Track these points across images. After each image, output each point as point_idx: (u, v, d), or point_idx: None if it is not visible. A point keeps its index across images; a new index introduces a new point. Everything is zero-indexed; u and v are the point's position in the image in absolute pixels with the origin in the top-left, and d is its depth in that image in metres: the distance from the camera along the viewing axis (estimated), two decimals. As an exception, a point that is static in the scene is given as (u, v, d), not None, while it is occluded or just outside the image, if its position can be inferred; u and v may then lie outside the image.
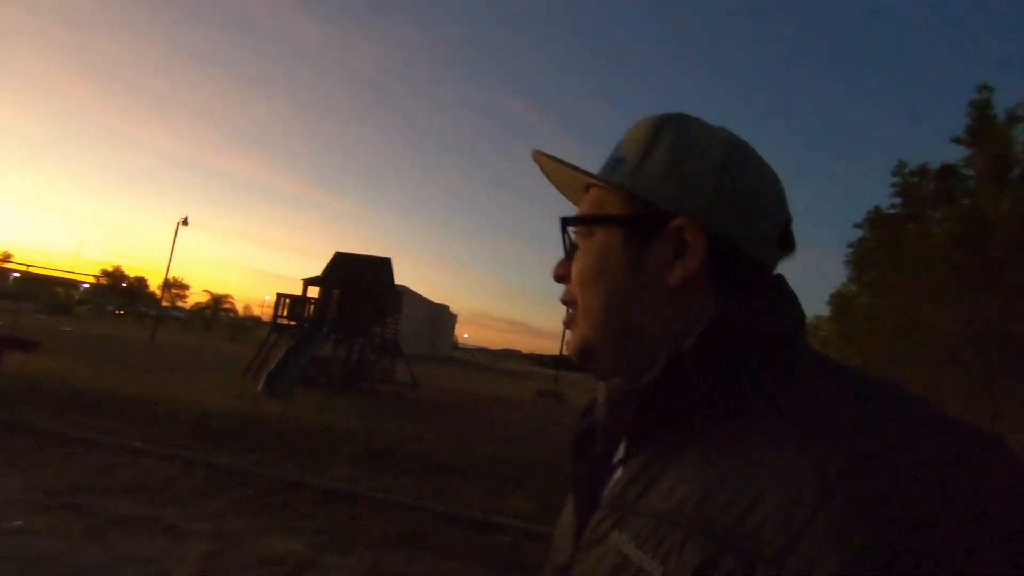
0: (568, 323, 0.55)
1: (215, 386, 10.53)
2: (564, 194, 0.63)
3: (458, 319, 75.54)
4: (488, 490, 5.77)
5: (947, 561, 0.31)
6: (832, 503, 0.34)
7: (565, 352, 0.57)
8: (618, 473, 0.50)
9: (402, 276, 18.22)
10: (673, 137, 0.51)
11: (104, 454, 5.34)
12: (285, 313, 14.21)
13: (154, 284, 60.51)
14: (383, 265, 15.92)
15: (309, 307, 14.14)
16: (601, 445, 0.55)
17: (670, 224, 0.49)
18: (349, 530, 4.23)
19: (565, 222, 0.56)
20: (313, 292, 14.91)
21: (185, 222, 26.59)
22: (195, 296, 63.99)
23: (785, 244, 0.52)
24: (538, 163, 0.60)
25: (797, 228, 0.53)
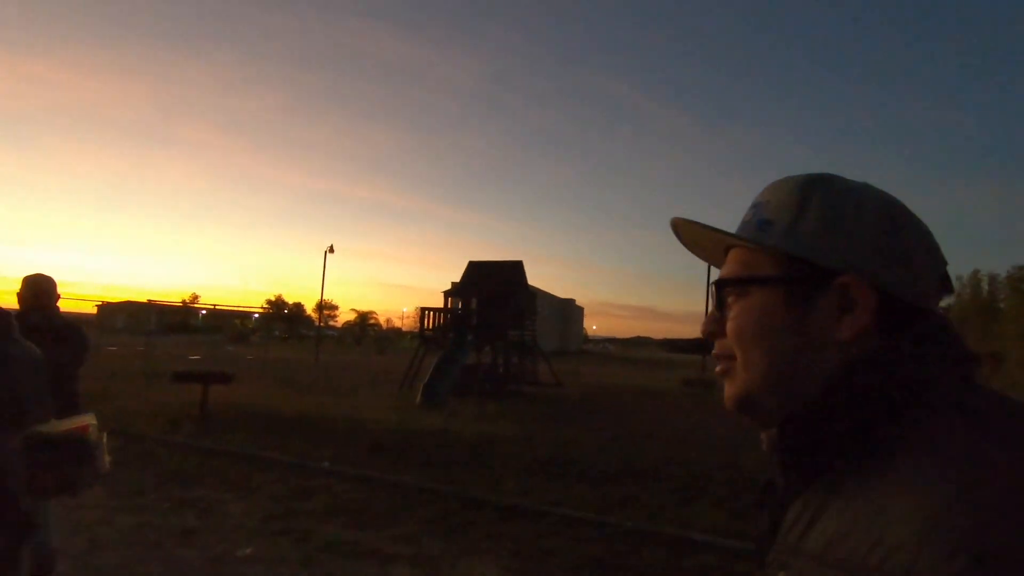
0: (724, 373, 0.57)
1: (377, 402, 11.22)
2: (696, 252, 0.66)
3: (585, 311, 75.13)
4: (669, 499, 5.38)
5: None
6: (932, 542, 0.38)
7: (725, 400, 0.58)
8: (787, 513, 0.53)
9: (528, 276, 18.28)
10: (824, 196, 0.54)
11: (301, 476, 5.76)
12: (430, 326, 14.84)
13: (309, 307, 67.29)
14: (515, 268, 16.09)
15: (452, 318, 14.65)
16: (780, 492, 0.57)
17: (834, 281, 0.52)
18: (538, 552, 4.09)
19: (722, 284, 0.57)
20: (448, 301, 15.46)
21: (331, 250, 29.10)
22: (344, 315, 70.14)
23: (945, 288, 0.54)
24: (676, 227, 0.62)
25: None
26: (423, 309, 15.14)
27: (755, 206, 0.57)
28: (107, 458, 1.31)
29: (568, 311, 57.84)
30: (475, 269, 16.04)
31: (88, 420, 1.32)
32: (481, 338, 14.23)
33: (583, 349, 63.36)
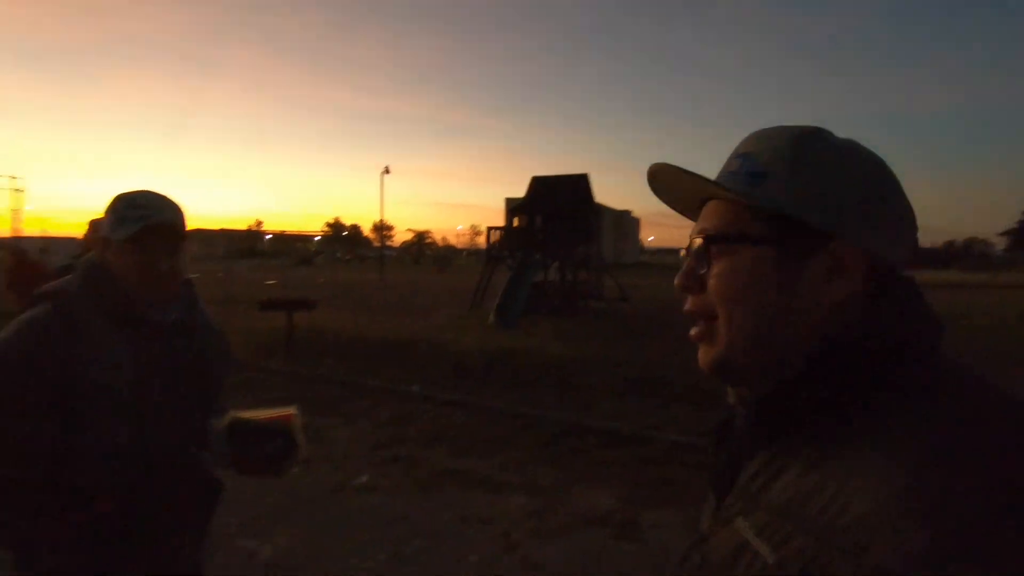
0: (702, 336, 0.56)
1: (450, 322, 11.28)
2: (668, 201, 0.64)
3: (641, 222, 73.20)
4: None
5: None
6: (895, 516, 0.40)
7: (702, 363, 0.57)
8: (748, 464, 0.55)
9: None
10: (818, 153, 0.53)
11: (396, 402, 5.84)
12: (496, 244, 14.62)
13: (366, 229, 68.58)
14: (580, 182, 15.36)
15: (518, 236, 14.34)
16: (739, 435, 0.58)
17: (828, 244, 0.51)
18: (652, 479, 3.97)
19: (713, 239, 0.55)
20: (508, 219, 15.06)
21: (387, 171, 28.94)
22: (400, 235, 71.28)
23: (916, 254, 0.56)
24: (653, 174, 0.60)
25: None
26: (489, 228, 14.88)
27: (742, 156, 0.55)
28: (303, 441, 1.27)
29: (623, 222, 56.44)
30: (539, 184, 15.44)
31: (291, 411, 1.26)
32: (548, 255, 13.93)
33: (640, 261, 62.31)
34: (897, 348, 0.49)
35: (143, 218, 1.13)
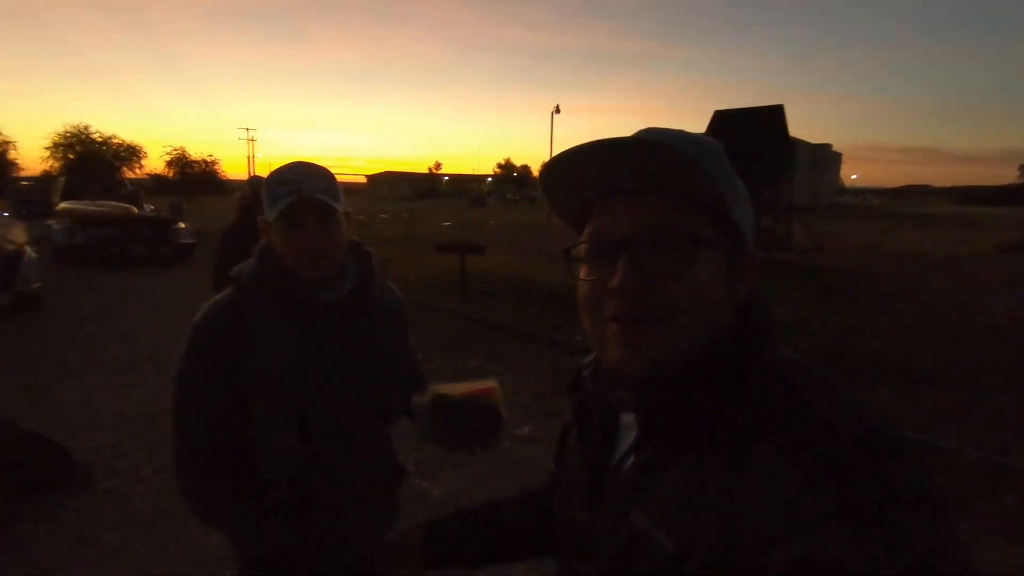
0: (643, 338, 0.55)
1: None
2: (560, 197, 0.62)
3: (843, 158, 63.42)
4: (998, 415, 4.09)
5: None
6: (819, 493, 0.43)
7: (637, 363, 0.56)
8: (632, 456, 0.58)
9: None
10: (725, 160, 0.59)
11: (560, 353, 5.82)
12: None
13: (535, 169, 69.42)
14: (773, 115, 13.39)
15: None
16: (600, 421, 0.63)
17: (748, 249, 0.58)
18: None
19: (695, 239, 0.55)
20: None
21: (557, 110, 28.54)
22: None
23: None
24: (599, 148, 0.55)
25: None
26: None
27: (667, 148, 0.52)
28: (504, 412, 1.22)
29: (821, 158, 49.33)
30: (722, 119, 13.87)
31: (491, 383, 1.21)
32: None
33: (838, 202, 54.44)
34: (767, 346, 0.55)
35: (290, 193, 1.08)
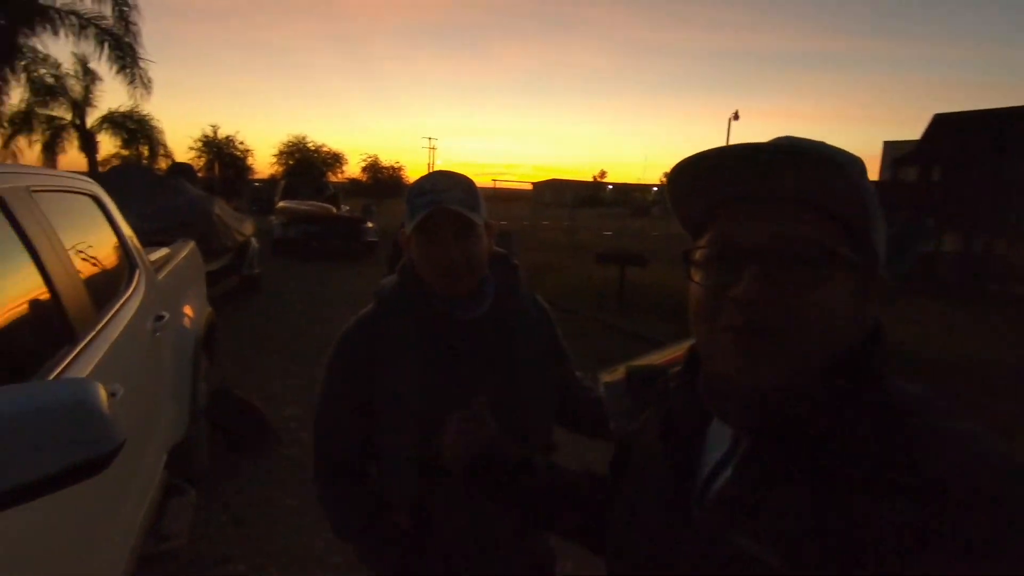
0: (761, 350, 0.53)
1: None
2: (689, 195, 0.60)
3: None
4: None
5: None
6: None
7: (756, 380, 0.55)
8: (728, 472, 0.57)
9: None
10: (867, 181, 0.54)
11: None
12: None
13: (706, 179, 65.90)
14: (1014, 120, 11.07)
15: (903, 192, 11.39)
16: (688, 436, 0.62)
17: (875, 274, 0.55)
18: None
19: (830, 252, 0.52)
20: (897, 172, 11.92)
21: (736, 116, 26.73)
22: (742, 186, 65.83)
23: None
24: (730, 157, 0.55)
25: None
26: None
27: (818, 155, 0.51)
28: None
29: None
30: (943, 124, 11.77)
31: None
32: (946, 219, 10.71)
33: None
34: (887, 373, 0.54)
35: (427, 204, 1.02)
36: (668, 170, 0.60)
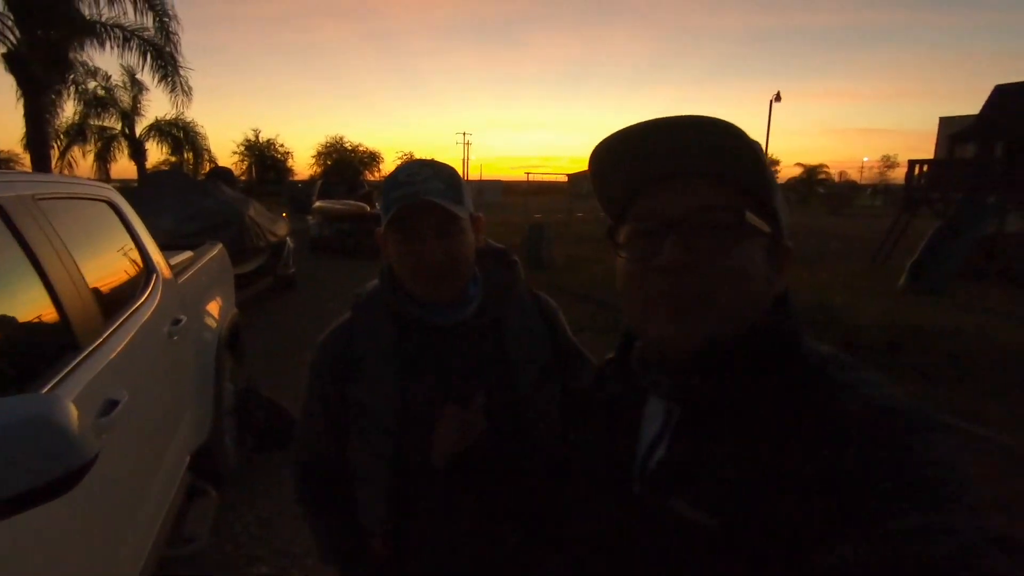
0: (688, 314, 0.57)
1: (842, 280, 9.36)
2: (607, 178, 0.64)
3: None
4: None
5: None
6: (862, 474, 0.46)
7: (684, 340, 0.58)
8: (664, 444, 0.61)
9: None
10: (763, 153, 0.58)
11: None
12: (919, 178, 11.27)
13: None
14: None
15: (961, 170, 10.68)
16: (625, 415, 0.66)
17: (781, 240, 0.60)
18: None
19: (743, 218, 0.57)
20: (954, 149, 11.19)
21: (778, 98, 25.76)
22: (786, 170, 63.62)
23: None
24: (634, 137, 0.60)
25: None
26: (912, 161, 11.46)
27: (731, 133, 0.56)
28: None
29: None
30: (1006, 96, 10.97)
31: None
32: (1012, 198, 9.99)
33: None
34: (802, 338, 0.58)
35: (403, 197, 0.90)
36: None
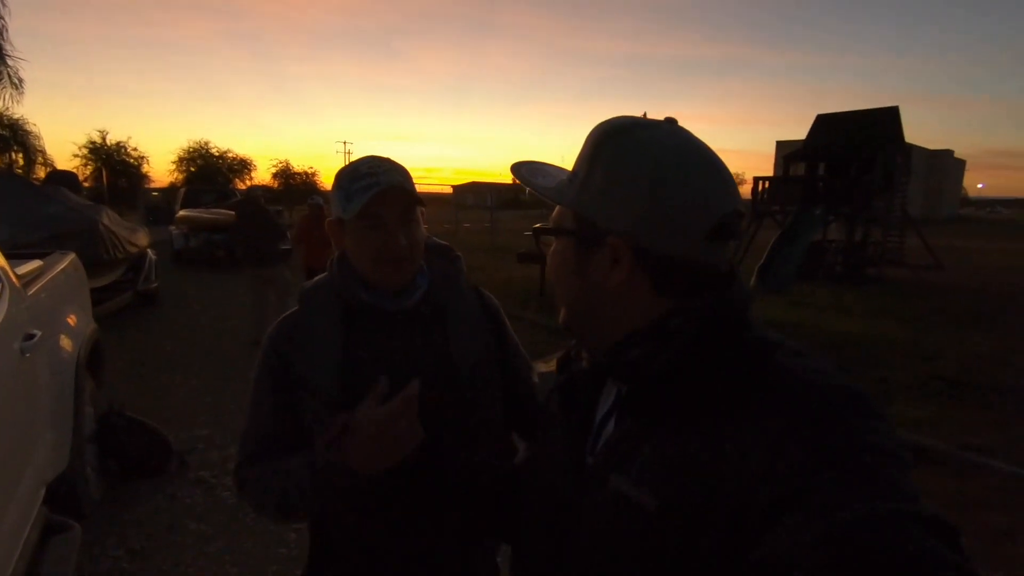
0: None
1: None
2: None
3: (967, 165, 57.18)
4: None
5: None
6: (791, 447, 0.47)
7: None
8: (610, 425, 0.63)
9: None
10: (610, 156, 0.60)
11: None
12: (762, 194, 12.86)
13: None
14: (885, 119, 12.26)
15: (794, 186, 12.33)
16: (584, 394, 0.68)
17: (607, 240, 0.60)
18: (979, 526, 2.94)
19: (537, 232, 0.69)
20: (788, 167, 12.93)
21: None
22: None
23: (721, 236, 0.58)
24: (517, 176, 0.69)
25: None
26: (756, 179, 13.09)
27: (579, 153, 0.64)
28: None
29: (940, 166, 44.82)
30: (825, 125, 12.90)
31: None
32: (831, 209, 11.72)
33: (960, 215, 49.08)
34: (744, 322, 0.58)
35: (370, 186, 0.95)
36: None
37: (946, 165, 46.15)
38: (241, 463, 1.04)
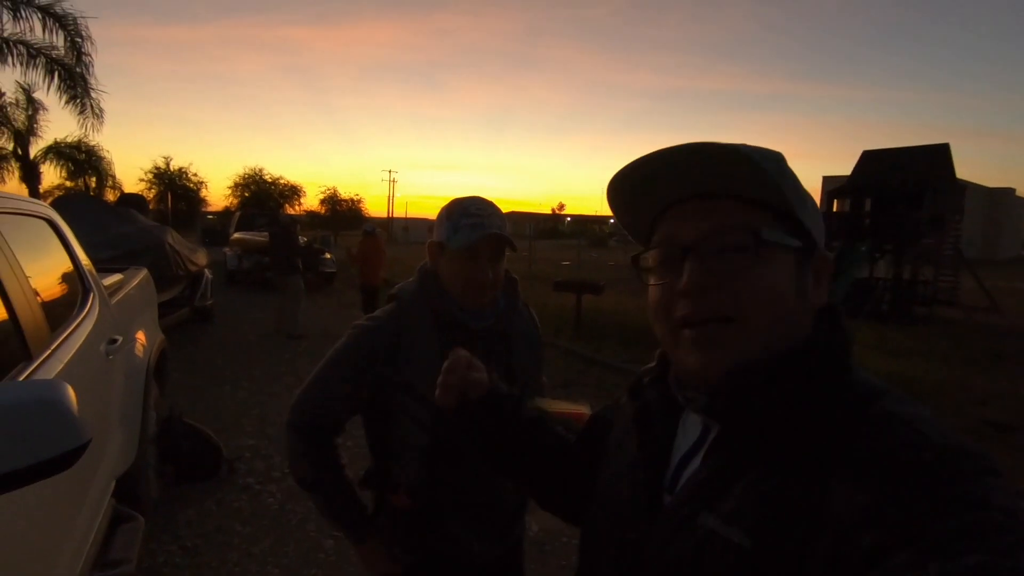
0: (714, 339, 0.57)
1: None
2: (628, 204, 0.65)
3: (1029, 205, 54.51)
4: None
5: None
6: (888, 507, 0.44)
7: (711, 367, 0.57)
8: (698, 459, 0.60)
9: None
10: (791, 172, 0.59)
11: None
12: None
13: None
14: (936, 156, 11.94)
15: (838, 222, 12.11)
16: (660, 427, 0.65)
17: (815, 252, 0.59)
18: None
19: (760, 237, 0.56)
20: (835, 203, 12.73)
21: (684, 151, 27.81)
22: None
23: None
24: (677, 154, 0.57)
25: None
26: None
27: (757, 159, 0.55)
28: None
29: (1001, 205, 42.95)
30: (872, 160, 12.67)
31: (584, 409, 1.15)
32: (878, 246, 11.43)
33: (1022, 256, 46.68)
34: (847, 360, 0.57)
35: (477, 227, 1.15)
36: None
37: (1008, 203, 44.21)
38: (294, 405, 1.22)
